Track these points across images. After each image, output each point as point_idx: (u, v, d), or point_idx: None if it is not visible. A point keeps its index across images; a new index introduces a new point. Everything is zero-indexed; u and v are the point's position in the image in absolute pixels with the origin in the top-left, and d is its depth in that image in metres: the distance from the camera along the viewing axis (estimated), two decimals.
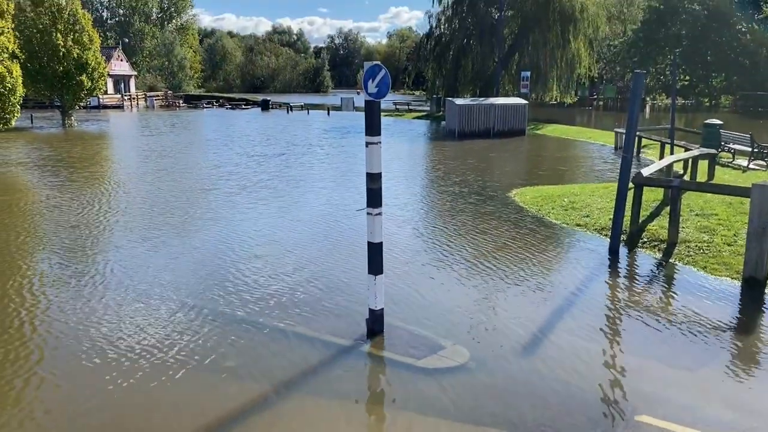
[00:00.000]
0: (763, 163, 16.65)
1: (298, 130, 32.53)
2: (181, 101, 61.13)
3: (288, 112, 49.34)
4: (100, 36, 37.71)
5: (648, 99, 52.58)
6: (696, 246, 8.92)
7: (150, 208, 12.58)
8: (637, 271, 8.60)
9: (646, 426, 4.64)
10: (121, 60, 63.00)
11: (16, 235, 10.49)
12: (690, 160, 13.91)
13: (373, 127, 5.77)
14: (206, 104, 58.32)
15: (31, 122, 35.70)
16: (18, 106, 25.89)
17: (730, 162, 17.17)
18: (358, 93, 72.41)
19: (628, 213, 9.49)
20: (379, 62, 5.70)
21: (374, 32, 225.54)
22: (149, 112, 50.64)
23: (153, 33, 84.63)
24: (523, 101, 30.37)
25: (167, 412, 4.91)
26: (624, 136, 9.76)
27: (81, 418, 4.80)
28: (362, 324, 6.28)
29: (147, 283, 7.81)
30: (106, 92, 50.26)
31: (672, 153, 14.57)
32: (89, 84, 34.80)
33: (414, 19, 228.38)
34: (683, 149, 16.10)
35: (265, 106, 53.01)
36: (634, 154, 14.33)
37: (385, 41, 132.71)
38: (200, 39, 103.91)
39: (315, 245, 9.70)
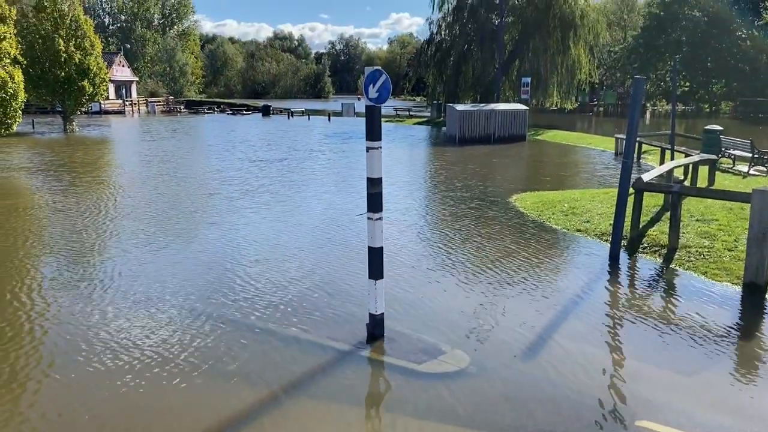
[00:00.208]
0: (764, 168, 16.66)
1: (299, 135, 32.59)
2: (182, 107, 61.27)
3: (289, 117, 49.44)
4: (101, 42, 37.84)
5: (648, 105, 52.72)
6: (696, 251, 8.92)
7: (153, 213, 12.61)
8: (637, 276, 8.60)
9: (646, 431, 4.63)
10: (123, 66, 63.22)
11: (24, 239, 10.54)
12: (690, 166, 13.93)
13: (373, 132, 5.79)
14: (207, 110, 58.47)
15: (33, 127, 35.81)
16: (20, 112, 25.92)
17: (731, 168, 17.17)
18: (359, 99, 72.54)
19: (628, 218, 9.50)
20: (379, 67, 5.72)
21: (375, 38, 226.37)
22: (150, 117, 50.76)
23: (155, 39, 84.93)
24: (524, 107, 30.43)
25: (169, 415, 4.91)
26: (624, 141, 9.78)
27: (89, 420, 4.80)
28: (362, 328, 6.28)
29: (152, 287, 7.82)
30: (107, 98, 50.40)
31: (672, 159, 14.58)
32: (91, 89, 34.91)
33: (415, 25, 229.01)
34: (683, 155, 16.11)
35: (266, 111, 53.13)
36: (635, 159, 14.36)
37: (385, 47, 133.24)
38: (201, 45, 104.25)
39: (317, 249, 9.71)
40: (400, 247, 9.73)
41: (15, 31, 25.95)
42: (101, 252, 9.71)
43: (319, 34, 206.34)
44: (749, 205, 7.63)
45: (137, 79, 69.23)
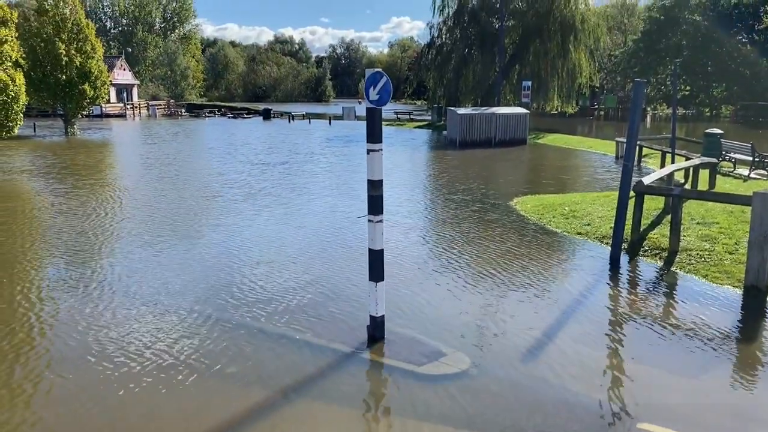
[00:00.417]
0: (764, 172, 16.67)
1: (300, 138, 32.63)
2: (183, 110, 61.35)
3: (289, 121, 49.51)
4: (103, 45, 37.92)
5: (649, 109, 52.73)
6: (697, 254, 8.92)
7: (156, 215, 12.64)
8: (638, 279, 8.60)
9: None
10: (124, 69, 63.32)
11: (31, 241, 10.56)
12: (691, 169, 13.93)
13: (374, 135, 5.80)
14: (208, 113, 58.54)
15: (34, 130, 35.86)
16: (21, 115, 25.99)
17: (731, 171, 17.19)
18: (360, 102, 72.71)
19: (629, 221, 9.50)
20: (380, 70, 5.73)
21: (376, 42, 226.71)
22: (151, 120, 50.83)
23: (156, 42, 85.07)
24: (525, 111, 30.46)
25: (172, 416, 4.91)
26: (625, 145, 9.79)
27: (89, 421, 4.80)
28: (363, 331, 6.28)
29: (157, 288, 7.84)
30: (108, 101, 50.43)
31: (673, 162, 14.58)
32: (92, 93, 34.98)
33: (415, 29, 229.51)
34: (684, 158, 16.13)
35: (266, 115, 53.21)
36: (635, 163, 14.37)
37: (386, 51, 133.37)
38: (203, 48, 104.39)
39: (318, 252, 9.71)
40: (403, 249, 9.74)
41: (17, 35, 26.03)
42: (107, 254, 9.71)
43: (320, 37, 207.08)
44: (750, 208, 7.63)
45: (138, 82, 69.34)
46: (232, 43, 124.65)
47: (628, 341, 6.49)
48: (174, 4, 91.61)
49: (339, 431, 4.80)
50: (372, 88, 5.65)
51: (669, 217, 9.70)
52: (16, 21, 25.38)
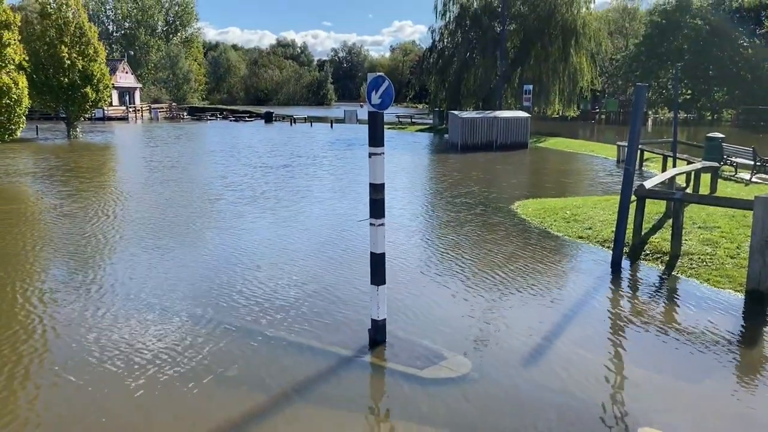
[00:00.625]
0: (766, 176, 16.66)
1: (302, 142, 32.67)
2: (185, 113, 61.44)
3: (291, 124, 49.56)
4: (105, 48, 38.03)
5: (650, 113, 52.76)
6: (699, 258, 8.91)
7: (160, 218, 12.68)
8: (639, 283, 8.60)
9: None
10: (127, 72, 63.50)
11: (33, 243, 10.58)
12: (692, 174, 13.93)
13: (376, 138, 5.82)
14: (210, 116, 58.62)
15: (37, 133, 35.95)
16: (24, 117, 26.04)
17: (733, 175, 17.18)
18: (362, 106, 72.74)
19: (630, 225, 9.50)
20: (382, 74, 5.75)
21: (378, 46, 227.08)
22: (153, 123, 50.93)
23: (158, 46, 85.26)
24: (526, 114, 30.48)
25: (174, 418, 4.92)
26: (626, 149, 9.79)
27: (104, 422, 4.81)
28: (364, 333, 6.29)
29: (160, 291, 7.86)
30: (111, 104, 50.57)
31: (674, 166, 14.58)
32: (94, 96, 35.07)
33: (417, 33, 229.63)
34: (686, 162, 16.11)
35: (268, 118, 53.26)
36: (637, 167, 14.37)
37: (388, 55, 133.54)
38: (205, 52, 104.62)
39: (321, 255, 9.72)
40: (406, 251, 9.75)
41: (20, 38, 26.09)
42: (110, 256, 9.73)
43: (322, 41, 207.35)
44: (752, 212, 7.63)
45: (140, 85, 69.51)
46: (234, 47, 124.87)
47: (630, 345, 6.48)
48: (176, 8, 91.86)
49: None
50: (374, 92, 5.67)
51: (670, 221, 9.69)
52: (20, 24, 25.44)
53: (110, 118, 51.61)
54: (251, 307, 7.32)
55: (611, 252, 9.38)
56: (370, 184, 5.93)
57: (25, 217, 12.95)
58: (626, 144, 11.51)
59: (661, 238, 9.94)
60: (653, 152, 20.76)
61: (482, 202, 14.52)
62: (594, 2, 44.23)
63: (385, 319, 6.17)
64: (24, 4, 54.52)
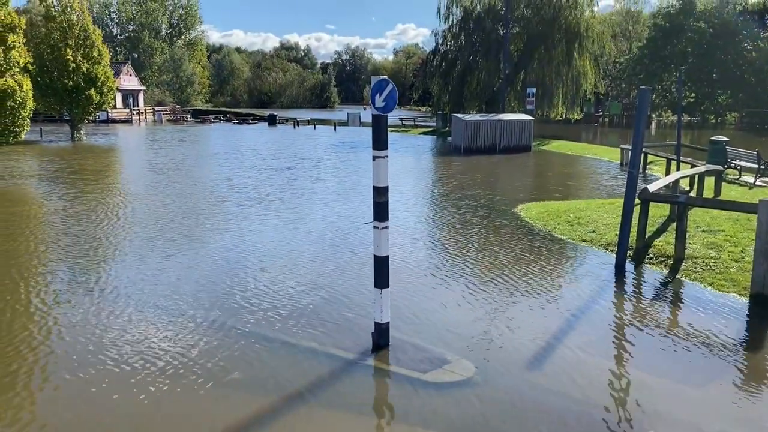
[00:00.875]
0: None
1: (306, 144, 32.72)
2: (188, 116, 61.63)
3: (295, 127, 49.62)
4: (109, 51, 38.18)
5: (654, 116, 52.68)
6: (703, 262, 8.89)
7: (165, 220, 12.73)
8: (643, 287, 8.57)
9: None
10: (130, 75, 63.73)
11: (41, 245, 10.61)
12: (696, 177, 13.91)
13: (380, 142, 5.82)
14: (213, 119, 58.79)
15: (41, 136, 36.09)
16: (28, 120, 26.13)
17: (737, 179, 17.14)
18: (365, 108, 72.78)
19: (634, 229, 9.49)
20: (386, 77, 5.76)
21: (381, 48, 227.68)
22: (157, 126, 51.07)
23: (162, 49, 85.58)
24: (529, 117, 30.47)
25: (177, 421, 4.93)
26: (630, 152, 9.78)
27: (109, 425, 4.83)
28: (368, 337, 6.28)
29: (168, 292, 7.90)
30: (114, 106, 50.77)
31: (678, 169, 14.56)
32: (98, 98, 35.20)
33: (420, 36, 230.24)
34: (689, 165, 16.09)
35: (272, 121, 53.36)
36: (640, 170, 14.35)
37: (391, 57, 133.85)
38: (208, 54, 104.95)
39: (325, 257, 9.73)
40: (411, 254, 9.75)
41: (24, 41, 26.20)
42: (118, 258, 9.75)
43: (325, 44, 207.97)
44: (756, 215, 7.61)
45: (144, 88, 69.75)
46: (238, 50, 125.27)
47: (634, 349, 6.46)
48: (180, 11, 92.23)
49: None
50: (378, 95, 5.67)
51: (674, 224, 9.67)
52: (24, 27, 25.54)
53: (114, 121, 51.77)
54: (257, 309, 7.32)
55: (615, 255, 9.37)
56: (374, 186, 5.94)
57: (28, 218, 12.98)
58: (630, 147, 11.49)
59: (665, 242, 9.92)
60: (657, 155, 20.74)
61: (486, 205, 14.52)
62: (597, 5, 44.35)
63: (388, 323, 6.17)
64: (29, 7, 54.76)
